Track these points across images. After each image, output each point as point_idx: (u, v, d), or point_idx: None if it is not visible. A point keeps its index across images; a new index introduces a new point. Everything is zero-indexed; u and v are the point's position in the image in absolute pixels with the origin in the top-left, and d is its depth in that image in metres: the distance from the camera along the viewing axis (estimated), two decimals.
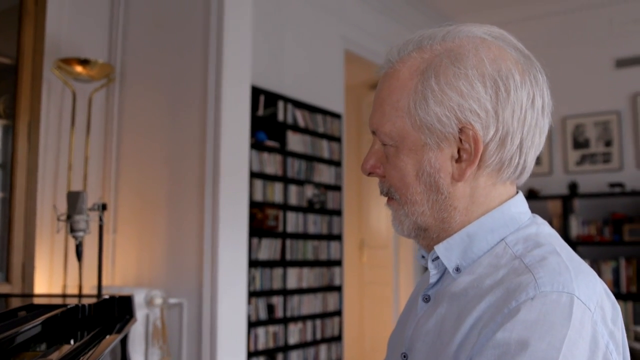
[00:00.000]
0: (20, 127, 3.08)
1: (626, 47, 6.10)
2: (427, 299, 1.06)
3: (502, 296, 0.89)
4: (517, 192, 1.06)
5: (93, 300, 1.88)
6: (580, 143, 6.27)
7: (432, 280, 1.05)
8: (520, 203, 1.04)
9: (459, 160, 0.99)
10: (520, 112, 0.97)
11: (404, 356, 1.06)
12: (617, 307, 0.93)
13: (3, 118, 3.13)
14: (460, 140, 0.98)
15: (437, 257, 1.03)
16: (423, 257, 1.12)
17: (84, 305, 1.81)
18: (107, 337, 1.61)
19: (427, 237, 1.06)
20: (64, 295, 2.11)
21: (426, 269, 1.09)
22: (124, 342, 1.96)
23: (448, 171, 0.99)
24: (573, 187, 6.00)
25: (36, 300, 1.82)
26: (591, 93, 6.16)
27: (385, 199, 1.10)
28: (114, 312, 1.94)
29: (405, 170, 1.02)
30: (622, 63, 6.13)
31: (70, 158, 3.43)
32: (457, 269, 1.01)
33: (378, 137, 1.05)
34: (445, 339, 0.95)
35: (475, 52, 0.98)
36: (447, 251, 1.02)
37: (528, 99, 0.98)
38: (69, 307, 1.73)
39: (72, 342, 1.56)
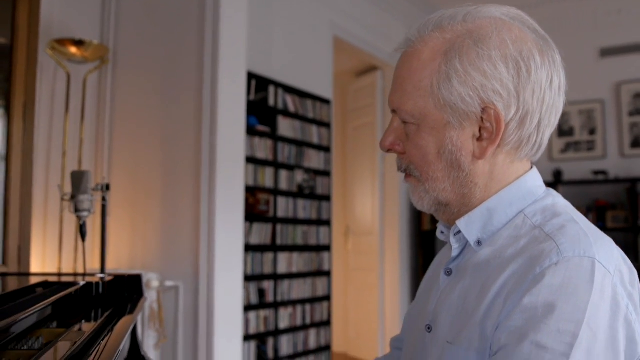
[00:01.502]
0: (16, 109, 3.04)
1: (611, 37, 6.17)
2: (449, 273, 1.09)
3: (526, 264, 0.93)
4: (532, 167, 1.10)
5: (105, 279, 1.87)
6: (564, 131, 6.34)
7: (454, 254, 1.08)
8: (536, 177, 1.08)
9: (480, 138, 1.02)
10: (540, 92, 1.01)
11: (429, 328, 1.08)
12: (634, 271, 0.98)
13: None
14: (482, 119, 1.01)
15: (459, 232, 1.07)
16: (442, 232, 1.15)
17: (97, 283, 1.81)
18: (124, 317, 1.61)
19: (448, 212, 1.09)
20: (73, 274, 2.10)
21: (443, 243, 1.11)
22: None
23: (469, 149, 1.03)
24: (557, 174, 6.08)
25: (45, 279, 1.81)
26: (576, 82, 6.21)
27: (404, 175, 1.12)
28: (124, 291, 1.94)
29: (426, 148, 1.04)
30: (606, 52, 6.20)
31: (65, 141, 3.40)
32: (479, 242, 1.04)
33: (399, 116, 1.07)
34: (470, 309, 0.98)
35: (497, 34, 1.01)
36: (468, 225, 1.05)
37: (547, 80, 1.02)
38: (84, 284, 1.72)
39: (83, 320, 1.56)
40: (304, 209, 5.13)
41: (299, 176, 5.06)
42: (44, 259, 3.38)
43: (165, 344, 3.36)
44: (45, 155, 3.46)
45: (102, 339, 1.32)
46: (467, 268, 1.04)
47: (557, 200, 1.06)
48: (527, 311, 0.89)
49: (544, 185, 1.09)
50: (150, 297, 3.24)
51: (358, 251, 6.81)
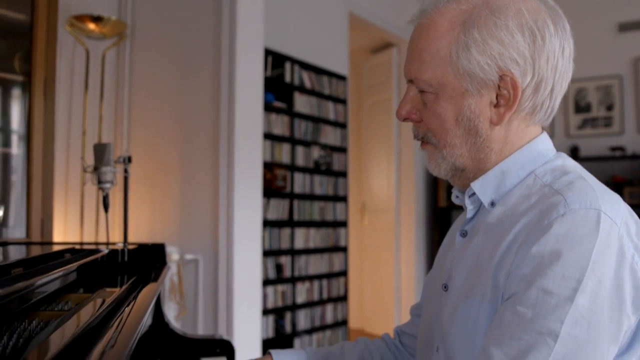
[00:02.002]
0: (36, 84, 3.08)
1: (629, 11, 6.11)
2: (464, 234, 1.14)
3: (535, 217, 0.98)
4: (543, 132, 1.14)
5: (130, 247, 1.91)
6: (581, 107, 6.30)
7: (469, 215, 1.14)
8: (546, 141, 1.13)
9: (497, 105, 1.06)
10: (553, 59, 1.05)
11: (445, 287, 1.14)
12: None
13: (19, 75, 3.13)
14: (499, 86, 1.05)
15: (474, 194, 1.12)
16: (457, 197, 1.19)
17: (122, 250, 1.85)
18: (149, 284, 1.64)
19: (464, 177, 1.14)
20: (96, 244, 2.14)
21: (460, 208, 1.15)
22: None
23: (487, 116, 1.07)
24: (574, 150, 6.05)
25: (71, 247, 1.85)
26: (593, 57, 6.17)
27: (420, 143, 1.17)
28: (148, 260, 1.98)
29: (445, 115, 1.08)
30: (624, 27, 6.14)
31: (85, 117, 3.44)
32: (492, 203, 1.09)
33: (416, 85, 1.11)
34: (483, 264, 1.03)
35: (513, 4, 1.05)
36: (483, 187, 1.10)
37: (560, 47, 1.06)
38: (109, 251, 1.76)
39: (108, 288, 1.60)
40: (321, 185, 5.15)
41: (316, 152, 5.08)
42: (66, 233, 3.43)
43: (186, 316, 3.41)
44: (66, 131, 3.50)
45: (128, 305, 1.35)
46: (480, 228, 1.09)
47: (567, 161, 1.10)
48: (535, 259, 0.94)
49: (554, 149, 1.13)
50: (171, 270, 3.28)
51: (374, 228, 6.83)
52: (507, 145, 1.10)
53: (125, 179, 2.34)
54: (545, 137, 1.13)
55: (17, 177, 3.11)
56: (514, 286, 0.95)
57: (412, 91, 1.13)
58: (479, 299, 1.02)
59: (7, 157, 3.15)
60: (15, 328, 0.97)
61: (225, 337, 1.92)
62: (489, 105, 1.06)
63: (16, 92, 3.18)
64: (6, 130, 3.15)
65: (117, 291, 1.40)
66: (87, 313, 1.10)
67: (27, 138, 3.06)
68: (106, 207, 2.33)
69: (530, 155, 1.09)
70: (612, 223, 0.95)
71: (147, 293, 1.51)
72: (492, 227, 1.06)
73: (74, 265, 1.31)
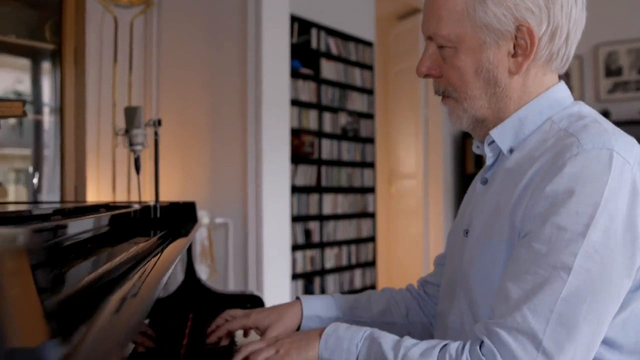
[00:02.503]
0: (67, 53, 3.13)
1: None
2: (484, 181, 1.18)
3: (550, 159, 1.01)
4: (560, 81, 1.17)
5: (161, 205, 1.96)
6: (612, 71, 6.20)
7: (488, 162, 1.18)
8: (563, 89, 1.15)
9: (514, 55, 1.09)
10: (567, 7, 1.08)
11: (466, 232, 1.18)
12: None
13: (49, 43, 3.18)
14: (516, 37, 1.07)
15: (493, 141, 1.16)
16: (478, 147, 1.23)
17: (155, 206, 1.90)
18: (179, 239, 1.68)
19: (484, 127, 1.17)
20: (128, 202, 2.19)
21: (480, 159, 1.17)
22: (189, 246, 2.05)
23: (505, 66, 1.10)
24: (605, 115, 5.95)
25: (105, 204, 1.89)
26: (624, 19, 6.05)
27: (441, 97, 1.20)
28: (179, 218, 2.02)
29: (464, 68, 1.11)
30: None
31: (115, 84, 3.49)
32: (511, 150, 1.13)
33: (435, 41, 1.14)
34: (501, 207, 1.07)
35: None
36: (501, 134, 1.13)
37: None
38: (142, 207, 1.81)
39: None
40: (348, 151, 5.18)
41: (343, 119, 5.09)
42: (99, 198, 3.50)
43: (216, 279, 3.48)
44: (96, 98, 3.56)
45: (155, 256, 1.38)
46: (499, 174, 1.13)
47: (583, 108, 1.13)
48: (549, 198, 0.97)
49: (571, 97, 1.15)
50: (201, 233, 3.34)
51: (402, 194, 6.83)
52: (525, 94, 1.12)
53: (156, 141, 2.38)
54: (562, 85, 1.15)
55: (50, 145, 3.18)
56: (529, 225, 0.99)
57: (431, 48, 1.16)
58: (497, 239, 1.06)
59: (39, 125, 3.22)
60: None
61: (255, 292, 1.97)
62: (507, 56, 1.09)
63: (47, 61, 3.24)
64: (38, 98, 3.22)
65: (146, 242, 1.44)
66: (112, 260, 1.14)
67: (60, 106, 3.12)
68: (138, 168, 2.38)
69: (547, 103, 1.12)
70: (624, 162, 0.97)
71: (175, 246, 1.55)
72: (510, 172, 1.09)
73: (107, 214, 1.35)
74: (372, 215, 5.45)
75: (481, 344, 0.96)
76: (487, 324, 0.97)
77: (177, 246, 1.58)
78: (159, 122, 2.37)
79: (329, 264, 4.92)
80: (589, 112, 1.11)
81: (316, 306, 1.40)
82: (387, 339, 1.06)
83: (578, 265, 0.93)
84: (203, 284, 2.01)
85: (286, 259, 3.61)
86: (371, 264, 5.44)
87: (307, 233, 4.72)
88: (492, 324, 0.96)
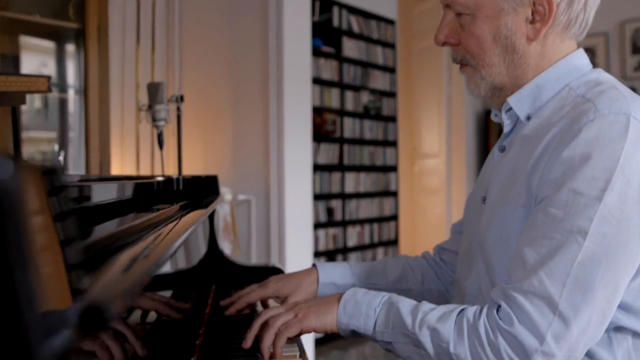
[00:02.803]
0: (90, 31, 3.16)
1: None
2: (502, 149, 1.18)
3: (566, 125, 1.01)
4: (579, 48, 1.16)
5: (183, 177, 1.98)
6: (639, 48, 6.11)
7: (506, 130, 1.18)
8: (582, 56, 1.14)
9: (532, 21, 1.09)
10: None
11: (483, 199, 1.18)
12: None
13: (73, 22, 3.21)
14: (534, 3, 1.07)
15: (510, 108, 1.15)
16: (496, 115, 1.23)
17: (177, 178, 1.92)
18: (199, 209, 1.70)
19: (502, 95, 1.17)
20: (152, 176, 2.22)
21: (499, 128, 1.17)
22: (211, 219, 2.08)
23: (523, 32, 1.10)
24: None
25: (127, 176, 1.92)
26: None
27: (459, 66, 1.20)
28: (201, 191, 2.05)
29: (482, 36, 1.11)
30: None
31: (137, 63, 3.51)
32: (528, 117, 1.12)
33: (453, 9, 1.14)
34: (518, 172, 1.07)
35: None
36: (519, 101, 1.13)
37: None
38: (164, 179, 1.84)
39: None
40: (371, 129, 5.18)
41: (365, 97, 5.09)
42: (123, 173, 3.55)
43: (239, 255, 3.51)
44: (119, 76, 3.58)
45: (173, 222, 1.39)
46: (517, 141, 1.12)
47: (602, 74, 1.11)
48: (565, 163, 0.97)
49: (590, 64, 1.14)
50: (224, 210, 3.37)
51: (424, 173, 6.82)
52: (544, 61, 1.12)
53: (178, 117, 2.41)
54: (581, 52, 1.14)
55: (75, 126, 3.22)
56: (546, 190, 0.99)
57: (449, 16, 1.16)
58: (514, 205, 1.06)
59: (64, 106, 3.26)
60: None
61: (277, 265, 1.99)
62: (525, 22, 1.09)
63: (71, 43, 3.27)
64: (63, 80, 3.26)
65: (166, 209, 1.46)
66: (131, 222, 1.16)
67: (84, 84, 3.16)
68: (161, 144, 2.41)
69: (565, 69, 1.11)
70: None
71: (193, 215, 1.57)
72: (527, 138, 1.09)
73: (130, 182, 1.37)
74: (394, 194, 5.46)
75: (498, 308, 0.97)
76: (504, 289, 0.98)
77: (196, 215, 1.59)
78: (182, 98, 2.40)
79: (351, 242, 4.94)
80: (608, 78, 1.10)
81: (332, 273, 1.41)
82: (405, 303, 1.07)
83: (594, 230, 0.93)
84: (225, 256, 2.04)
85: (308, 236, 3.64)
86: (393, 242, 5.45)
87: (330, 211, 4.74)
88: (509, 288, 0.97)
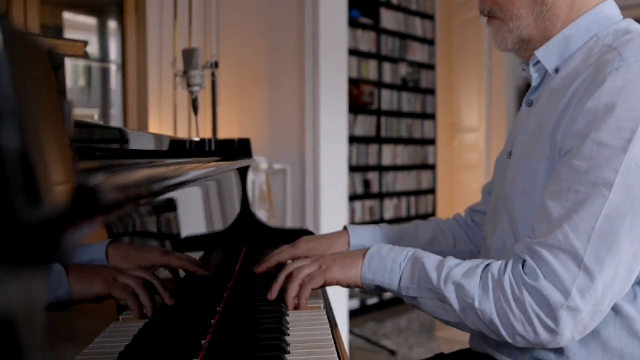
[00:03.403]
0: (129, 1, 3.19)
1: None
2: (530, 104, 1.16)
3: (591, 74, 0.98)
4: None
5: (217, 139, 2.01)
6: None
7: (534, 84, 1.15)
8: (613, 6, 1.11)
9: None
10: None
11: (509, 154, 1.17)
12: None
13: None
14: None
15: (538, 62, 1.12)
16: (524, 70, 1.20)
17: (210, 140, 1.95)
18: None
19: (530, 48, 1.14)
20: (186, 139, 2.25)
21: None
22: (244, 182, 2.11)
23: None
24: None
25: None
26: None
27: (486, 19, 1.18)
28: (234, 154, 2.07)
29: None
30: None
31: (175, 29, 3.53)
32: (556, 70, 1.10)
33: None
34: (543, 126, 1.05)
35: None
36: (547, 54, 1.11)
37: None
38: (199, 140, 1.86)
39: None
40: (409, 102, 5.14)
41: (403, 69, 5.05)
42: None
43: (275, 224, 3.54)
44: (158, 44, 3.59)
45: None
46: (544, 94, 1.10)
47: (632, 24, 1.09)
48: (590, 114, 0.95)
49: (621, 15, 1.11)
50: (260, 179, 3.40)
51: (464, 148, 6.75)
52: (573, 12, 1.09)
53: (213, 83, 2.43)
54: (611, 2, 1.11)
55: (116, 104, 3.27)
56: (571, 142, 0.97)
57: None
58: (538, 159, 1.04)
59: (106, 79, 3.31)
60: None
61: (310, 229, 2.00)
62: None
63: (113, 15, 3.30)
64: (105, 54, 3.29)
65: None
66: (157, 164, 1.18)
67: (122, 52, 3.20)
68: (196, 109, 2.44)
69: (595, 20, 1.09)
70: None
71: (218, 163, 1.58)
72: (554, 91, 1.07)
73: (167, 137, 1.39)
74: (432, 167, 5.43)
75: (523, 263, 0.96)
76: (528, 244, 0.97)
77: (220, 163, 1.61)
78: (217, 64, 2.41)
79: (388, 215, 4.93)
80: (638, 28, 1.07)
81: (363, 236, 1.42)
82: (431, 259, 1.07)
83: (619, 182, 0.91)
84: (258, 219, 2.07)
85: (344, 207, 3.64)
86: (431, 215, 5.43)
87: (366, 183, 4.73)
88: (534, 243, 0.96)
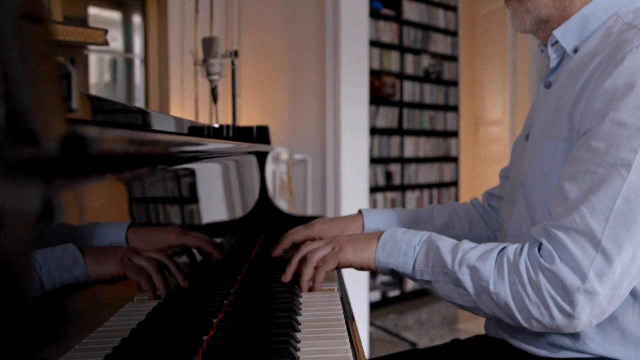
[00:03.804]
0: None
1: None
2: (548, 85, 1.14)
3: (610, 52, 0.96)
4: None
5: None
6: None
7: (553, 64, 1.13)
8: None
9: None
10: None
11: (526, 137, 1.14)
12: None
13: None
14: None
15: (556, 42, 1.10)
16: (542, 51, 1.18)
17: (228, 126, 1.94)
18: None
19: (548, 28, 1.12)
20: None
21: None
22: (262, 169, 2.11)
23: None
24: None
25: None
26: None
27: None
28: (252, 140, 2.07)
29: None
30: None
31: (197, 20, 3.54)
32: (575, 50, 1.07)
33: None
34: (561, 106, 1.02)
35: None
36: (565, 34, 1.08)
37: None
38: (217, 126, 1.86)
39: None
40: (431, 93, 5.11)
41: (425, 60, 5.02)
42: None
43: (296, 213, 3.54)
44: (179, 31, 3.59)
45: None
46: (562, 75, 1.08)
47: None
48: (608, 93, 0.92)
49: None
50: (280, 169, 3.40)
51: (487, 141, 6.70)
52: None
53: (233, 71, 2.43)
54: None
55: (140, 99, 3.29)
56: (588, 122, 0.95)
57: None
58: (555, 140, 1.02)
59: (130, 74, 3.33)
60: None
61: (327, 216, 2.00)
62: None
63: (137, 9, 3.31)
64: (130, 48, 3.30)
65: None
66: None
67: (144, 45, 3.21)
68: (215, 97, 2.44)
69: None
70: None
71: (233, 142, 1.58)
72: (572, 72, 1.04)
73: (185, 120, 1.39)
74: (454, 160, 5.39)
75: (539, 246, 0.95)
76: (544, 226, 0.95)
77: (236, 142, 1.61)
78: (236, 53, 2.41)
79: (410, 207, 4.91)
80: None
81: (378, 219, 1.41)
82: (445, 242, 1.05)
83: (638, 162, 0.88)
84: (275, 205, 2.07)
85: (364, 198, 3.62)
86: None
87: (388, 175, 4.72)
88: (550, 225, 0.94)
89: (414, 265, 1.07)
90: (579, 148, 0.95)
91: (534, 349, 1.06)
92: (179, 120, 1.40)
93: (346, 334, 0.87)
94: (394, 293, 4.72)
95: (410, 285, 4.72)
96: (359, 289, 3.45)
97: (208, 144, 1.17)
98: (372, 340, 3.85)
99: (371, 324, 3.87)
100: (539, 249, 0.94)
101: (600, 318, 0.93)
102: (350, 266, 1.13)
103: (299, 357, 0.76)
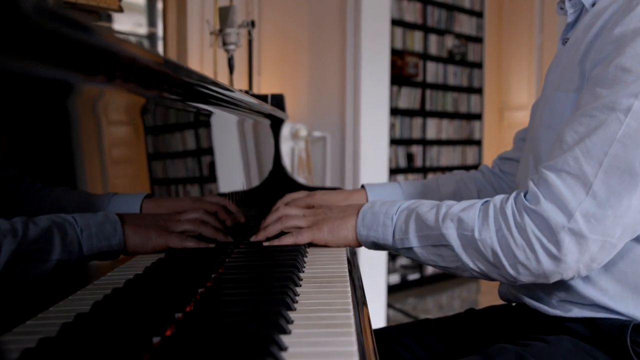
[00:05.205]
0: None
1: None
2: (565, 42, 1.09)
3: (624, 4, 0.92)
4: None
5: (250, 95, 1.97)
6: None
7: (570, 19, 1.09)
8: None
9: None
10: None
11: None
12: None
13: None
14: None
15: None
16: (561, 8, 1.13)
17: (245, 91, 1.91)
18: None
19: None
20: None
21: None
22: (277, 140, 2.07)
23: None
24: None
25: None
26: None
27: None
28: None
29: None
30: None
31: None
32: (593, 4, 1.02)
33: None
34: (573, 57, 0.98)
35: None
36: None
37: None
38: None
39: None
40: (455, 75, 5.03)
41: (449, 41, 4.94)
42: None
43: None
44: (199, 4, 3.56)
45: None
46: (579, 30, 1.03)
47: None
48: (617, 40, 0.89)
49: None
50: (299, 146, 3.36)
51: (512, 124, 6.60)
52: None
53: (249, 42, 2.39)
54: None
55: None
56: (596, 70, 0.91)
57: None
58: (566, 91, 0.99)
59: (153, 38, 3.30)
60: None
61: (341, 187, 1.96)
62: None
63: None
64: (153, 10, 3.27)
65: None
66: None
67: (163, 17, 3.19)
68: (231, 68, 2.40)
69: None
70: None
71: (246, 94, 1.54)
72: (588, 24, 1.00)
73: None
74: (478, 143, 5.31)
75: (527, 190, 0.91)
76: (538, 170, 0.91)
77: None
78: (253, 23, 2.37)
79: None
80: None
81: (382, 193, 1.36)
82: (425, 204, 1.02)
83: (638, 107, 0.84)
84: (289, 175, 2.03)
85: (384, 179, 3.57)
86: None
87: (410, 157, 4.66)
88: (542, 167, 0.90)
89: (393, 235, 1.03)
90: (583, 95, 0.92)
91: (547, 308, 1.02)
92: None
93: (349, 288, 0.84)
94: (414, 276, 4.67)
95: (430, 269, 4.67)
96: (377, 270, 3.41)
97: (226, 91, 1.15)
98: (389, 322, 3.81)
99: (390, 306, 3.83)
100: (526, 194, 0.91)
101: (590, 267, 0.88)
102: (326, 245, 1.10)
103: (296, 309, 0.73)
